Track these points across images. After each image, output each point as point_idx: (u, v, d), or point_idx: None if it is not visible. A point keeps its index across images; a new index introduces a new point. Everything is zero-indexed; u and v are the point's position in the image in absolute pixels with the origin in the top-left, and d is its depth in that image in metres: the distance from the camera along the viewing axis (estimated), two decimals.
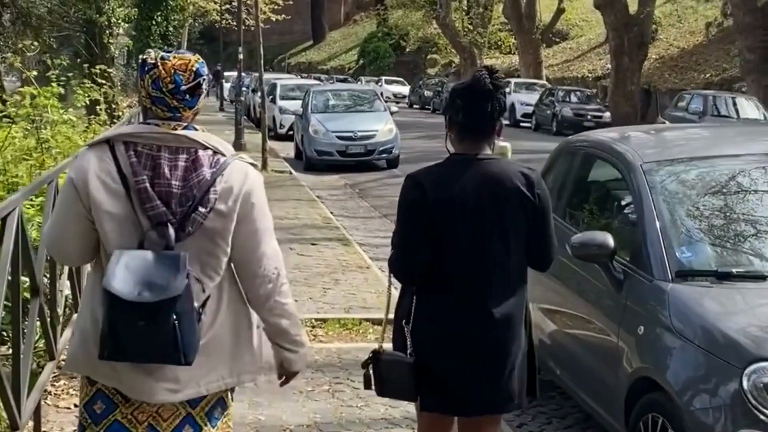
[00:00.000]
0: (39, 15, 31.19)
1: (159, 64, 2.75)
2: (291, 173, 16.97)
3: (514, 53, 50.43)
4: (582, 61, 45.07)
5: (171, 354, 2.63)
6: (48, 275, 5.53)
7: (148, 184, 2.67)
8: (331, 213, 13.24)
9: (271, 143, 20.96)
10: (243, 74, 23.94)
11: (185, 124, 2.77)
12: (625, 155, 5.19)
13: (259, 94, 22.60)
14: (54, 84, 11.80)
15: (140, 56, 2.99)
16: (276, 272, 2.84)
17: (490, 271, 3.31)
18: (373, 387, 3.48)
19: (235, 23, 32.25)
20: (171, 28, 30.69)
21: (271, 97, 27.58)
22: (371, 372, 3.45)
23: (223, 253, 2.76)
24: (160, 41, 28.05)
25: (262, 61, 18.03)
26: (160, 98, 2.74)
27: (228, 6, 43.54)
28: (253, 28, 18.20)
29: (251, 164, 2.86)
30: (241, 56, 21.99)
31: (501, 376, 3.34)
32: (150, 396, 2.75)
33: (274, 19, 46.18)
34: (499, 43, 52.50)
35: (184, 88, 2.73)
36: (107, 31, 20.52)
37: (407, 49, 62.97)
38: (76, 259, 3.05)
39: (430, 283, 3.33)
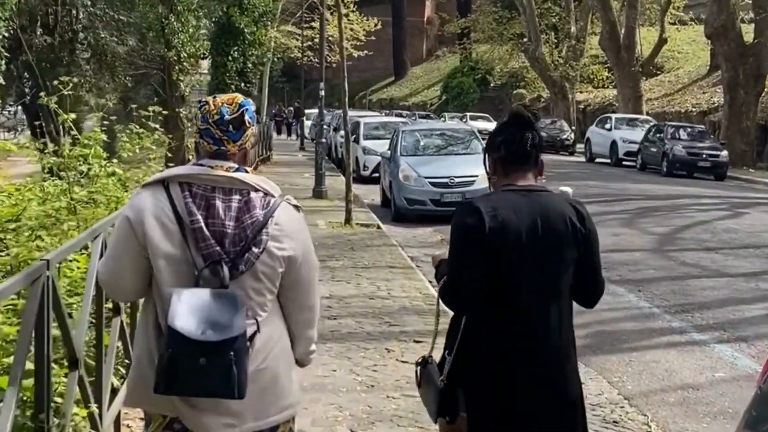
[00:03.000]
0: (114, 52, 29.96)
1: (210, 101, 2.95)
2: (379, 227, 14.68)
3: (608, 87, 48.27)
4: (684, 95, 42.34)
5: (225, 388, 2.72)
6: None
7: (203, 224, 2.77)
8: (432, 284, 10.81)
9: (354, 187, 18.77)
10: (324, 111, 21.88)
11: (236, 166, 2.88)
12: None
13: (341, 133, 20.58)
14: (97, 129, 9.79)
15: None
16: (316, 308, 3.10)
17: (545, 305, 3.26)
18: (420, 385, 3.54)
19: (317, 60, 30.46)
20: (249, 65, 28.98)
21: (354, 136, 25.62)
22: (419, 372, 3.53)
23: (269, 291, 2.88)
24: (237, 78, 26.26)
25: (346, 98, 15.86)
26: (206, 129, 2.91)
27: (310, 43, 42.18)
28: (335, 65, 16.21)
29: (295, 207, 2.97)
30: (322, 93, 19.82)
31: (562, 414, 3.30)
32: (208, 430, 2.83)
33: (356, 56, 45.42)
34: (592, 76, 50.03)
35: (228, 118, 2.89)
36: (176, 67, 18.67)
37: (492, 84, 61.28)
38: (129, 295, 3.13)
39: (482, 314, 3.24)
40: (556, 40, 49.68)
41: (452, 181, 16.49)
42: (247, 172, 2.89)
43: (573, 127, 42.34)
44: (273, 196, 2.87)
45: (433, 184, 16.46)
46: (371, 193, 20.71)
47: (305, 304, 3.00)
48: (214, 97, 2.94)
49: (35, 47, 26.13)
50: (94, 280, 4.11)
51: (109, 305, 4.97)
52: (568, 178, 25.95)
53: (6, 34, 18.24)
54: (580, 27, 48.14)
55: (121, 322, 5.15)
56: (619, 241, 14.18)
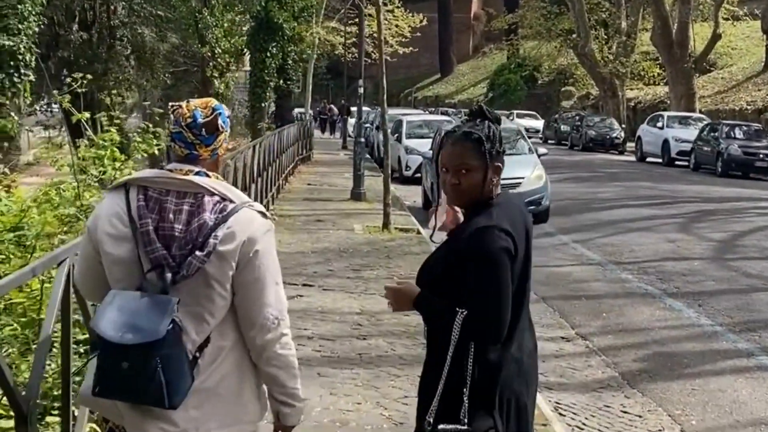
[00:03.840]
0: (153, 49, 29.58)
1: (183, 105, 2.90)
2: (418, 232, 13.93)
3: (659, 84, 47.14)
4: (738, 92, 41.04)
5: (155, 396, 2.65)
6: None
7: (151, 228, 2.73)
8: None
9: (394, 187, 18.02)
10: (367, 109, 21.10)
11: (197, 169, 2.82)
12: None
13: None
14: (113, 129, 9.19)
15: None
16: (276, 322, 2.84)
17: (524, 317, 3.15)
18: None
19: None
20: (290, 61, 28.33)
21: (396, 135, 24.91)
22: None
23: (219, 297, 2.78)
24: (276, 75, 25.58)
25: (385, 95, 15.12)
26: (179, 133, 2.85)
27: (354, 39, 41.54)
28: (378, 62, 15.52)
29: (260, 212, 2.88)
30: (361, 90, 19.02)
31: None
32: None
33: (401, 52, 44.93)
34: (642, 73, 48.92)
35: (201, 121, 2.84)
36: (210, 64, 18.01)
37: (539, 81, 60.41)
38: (95, 297, 3.06)
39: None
40: (605, 36, 48.62)
41: None
42: (208, 176, 2.83)
43: (623, 126, 41.35)
44: (232, 201, 2.80)
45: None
46: (414, 195, 19.94)
47: (250, 316, 2.81)
48: (188, 101, 2.92)
49: (72, 43, 25.82)
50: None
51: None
52: (617, 179, 25.10)
53: (36, 29, 17.82)
54: (630, 22, 47.22)
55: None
56: (675, 248, 13.30)
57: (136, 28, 26.42)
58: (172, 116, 2.87)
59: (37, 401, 3.67)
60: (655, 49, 43.63)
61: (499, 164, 3.07)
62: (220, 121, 2.85)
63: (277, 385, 2.90)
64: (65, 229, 7.01)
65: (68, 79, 9.15)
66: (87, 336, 4.65)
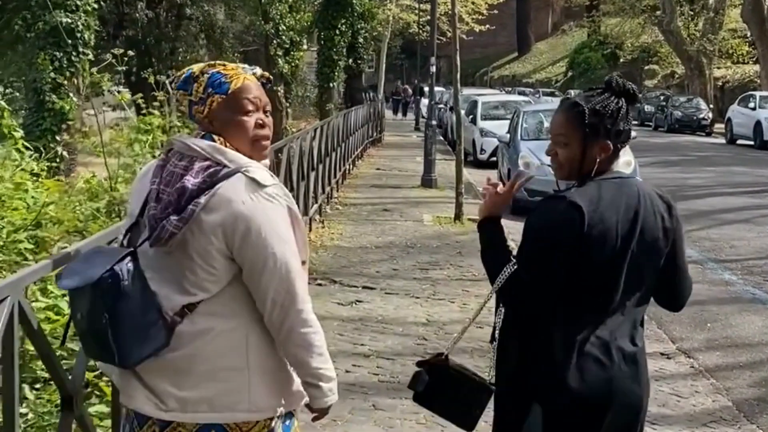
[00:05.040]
0: (222, 28, 28.88)
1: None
2: None
3: (748, 62, 45.06)
4: None
5: (109, 352, 2.57)
6: None
7: (154, 188, 2.67)
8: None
9: (468, 172, 16.89)
10: (441, 89, 19.98)
11: (204, 132, 2.72)
12: None
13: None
14: (156, 112, 8.31)
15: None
16: (289, 298, 2.64)
17: (632, 310, 2.92)
18: (416, 388, 3.05)
19: (437, 35, 28.80)
20: (360, 39, 27.27)
21: (470, 116, 23.75)
22: (425, 375, 3.02)
23: (203, 271, 2.60)
24: (345, 54, 24.55)
25: (458, 74, 13.99)
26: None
27: (428, 17, 40.52)
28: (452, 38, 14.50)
29: (257, 180, 2.61)
30: (433, 68, 17.90)
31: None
32: (129, 400, 2.71)
33: (477, 30, 43.92)
34: (731, 51, 46.87)
35: (185, 77, 2.76)
36: (274, 42, 17.06)
37: (621, 60, 58.65)
38: None
39: (571, 317, 2.84)
40: (692, 12, 46.83)
41: None
42: (213, 140, 2.68)
43: (710, 106, 39.54)
44: (226, 166, 2.62)
45: None
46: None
47: (258, 297, 2.64)
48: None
49: (139, 22, 25.21)
50: None
51: None
52: (708, 163, 23.65)
53: (96, 6, 17.12)
54: None
55: None
56: None
57: (203, 5, 25.66)
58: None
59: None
60: (744, 26, 42.05)
61: (609, 143, 2.84)
62: (205, 78, 2.70)
63: (300, 365, 2.72)
64: (82, 225, 6.11)
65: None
66: None
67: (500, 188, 3.05)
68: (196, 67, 2.75)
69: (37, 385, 3.72)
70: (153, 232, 2.59)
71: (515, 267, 2.84)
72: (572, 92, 48.60)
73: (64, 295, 4.27)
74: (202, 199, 2.57)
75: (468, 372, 3.05)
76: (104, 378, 3.82)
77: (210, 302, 2.63)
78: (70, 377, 3.36)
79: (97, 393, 3.87)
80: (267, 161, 2.77)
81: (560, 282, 2.81)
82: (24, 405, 3.66)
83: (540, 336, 2.86)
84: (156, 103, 8.27)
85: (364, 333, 7.16)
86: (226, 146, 2.66)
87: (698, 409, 6.13)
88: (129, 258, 2.57)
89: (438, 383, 3.05)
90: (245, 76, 2.73)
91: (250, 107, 2.70)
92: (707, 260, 10.87)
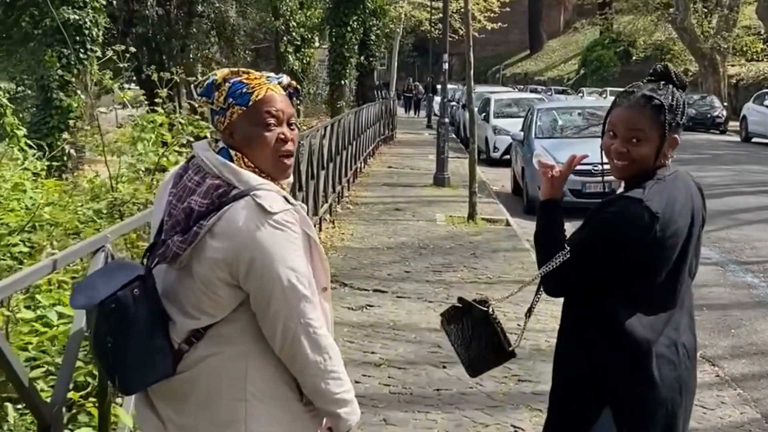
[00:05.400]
0: (233, 25, 28.67)
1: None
2: (507, 223, 12.52)
3: (762, 60, 44.65)
4: None
5: (111, 374, 2.53)
6: None
7: (172, 199, 2.57)
8: None
9: (481, 170, 16.61)
10: (453, 87, 19.74)
11: (222, 146, 2.57)
12: None
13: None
14: (160, 109, 8.06)
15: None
16: (300, 328, 2.48)
17: (688, 301, 2.93)
18: (450, 326, 3.03)
19: (449, 33, 28.54)
20: (372, 36, 27.00)
21: (483, 114, 23.46)
22: (464, 317, 2.96)
23: (205, 296, 2.49)
24: (356, 51, 24.26)
25: (471, 71, 13.72)
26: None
27: (440, 15, 40.25)
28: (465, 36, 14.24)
29: (265, 206, 2.42)
30: (446, 65, 17.62)
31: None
32: (141, 423, 2.68)
33: (489, 28, 43.77)
34: (745, 48, 46.45)
35: (207, 84, 2.63)
36: (284, 38, 16.81)
37: (634, 57, 58.27)
38: None
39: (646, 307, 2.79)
40: (705, 9, 46.43)
41: (596, 168, 14.08)
42: (230, 156, 2.52)
43: (725, 104, 39.14)
44: (236, 187, 2.46)
45: (573, 172, 14.12)
46: (502, 178, 18.56)
47: (265, 327, 2.50)
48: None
49: (150, 19, 25.00)
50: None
51: None
52: (723, 162, 23.31)
53: (104, 2, 16.92)
54: None
55: None
56: None
57: (214, 2, 25.44)
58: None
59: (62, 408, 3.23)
60: (758, 23, 41.65)
61: (677, 137, 2.82)
62: (226, 87, 2.54)
63: (317, 394, 2.58)
64: (82, 227, 5.86)
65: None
66: None
67: (556, 170, 2.99)
68: (219, 74, 2.61)
69: (19, 405, 3.46)
70: (160, 250, 2.52)
71: (567, 257, 2.79)
72: (584, 90, 48.25)
73: (53, 305, 4.05)
74: (208, 222, 2.46)
75: (502, 330, 2.96)
76: (91, 399, 3.57)
77: (215, 327, 2.53)
78: (49, 399, 3.13)
79: (87, 411, 3.61)
80: (290, 179, 2.62)
81: (605, 282, 2.78)
82: (5, 426, 3.41)
83: (613, 339, 2.79)
84: (158, 100, 8.03)
85: (374, 340, 6.91)
86: (243, 163, 2.52)
87: (725, 421, 5.85)
88: (138, 281, 2.46)
89: (469, 322, 3.01)
90: (269, 86, 2.56)
91: (272, 121, 2.53)
92: (728, 262, 10.57)
